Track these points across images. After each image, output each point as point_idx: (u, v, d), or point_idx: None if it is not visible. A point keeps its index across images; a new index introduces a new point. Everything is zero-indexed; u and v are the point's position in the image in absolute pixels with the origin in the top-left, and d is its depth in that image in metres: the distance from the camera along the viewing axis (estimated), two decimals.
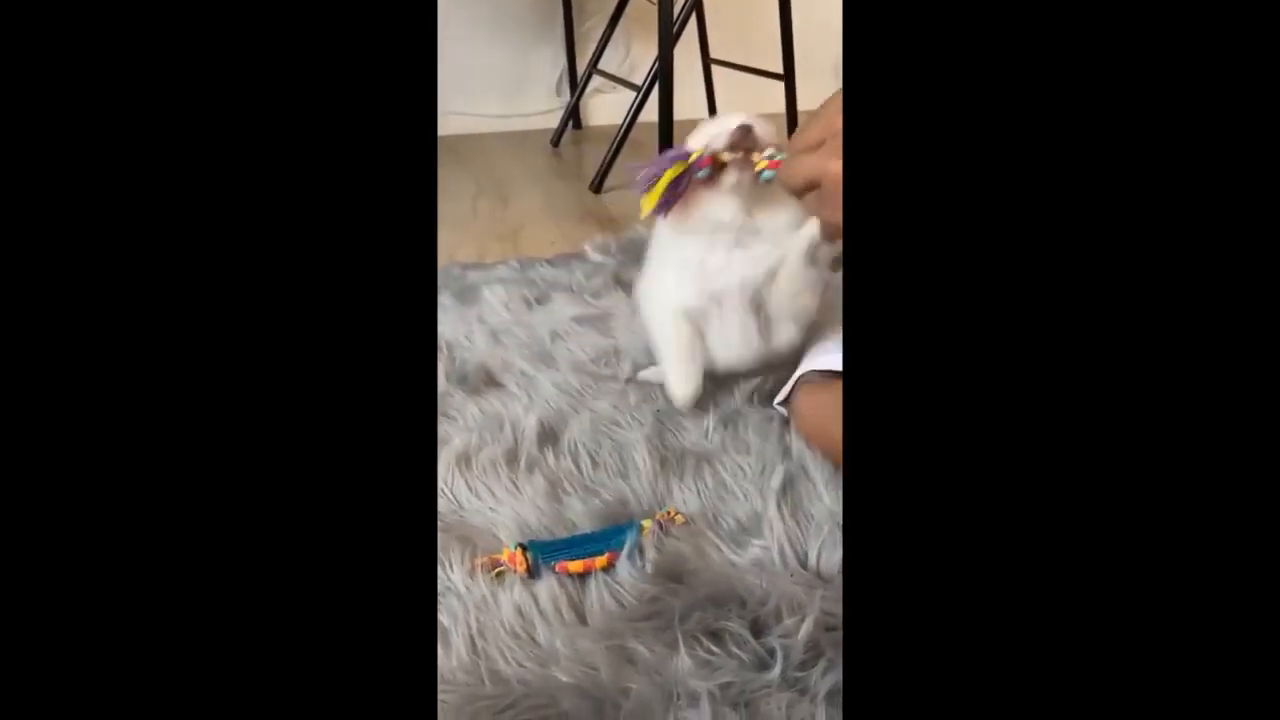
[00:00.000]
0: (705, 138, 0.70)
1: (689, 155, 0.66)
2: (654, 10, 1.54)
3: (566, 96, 2.24)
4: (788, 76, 1.88)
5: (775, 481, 0.68)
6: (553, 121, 2.18)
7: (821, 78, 2.46)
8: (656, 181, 0.66)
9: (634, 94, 1.64)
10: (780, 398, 0.79)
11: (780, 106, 1.92)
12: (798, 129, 0.54)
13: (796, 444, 0.74)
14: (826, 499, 0.66)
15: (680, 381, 0.77)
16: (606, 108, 2.27)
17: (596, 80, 2.09)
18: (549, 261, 1.23)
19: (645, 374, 0.88)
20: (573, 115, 2.18)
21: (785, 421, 0.78)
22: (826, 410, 0.72)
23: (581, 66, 2.14)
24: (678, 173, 0.65)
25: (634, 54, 2.27)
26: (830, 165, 0.48)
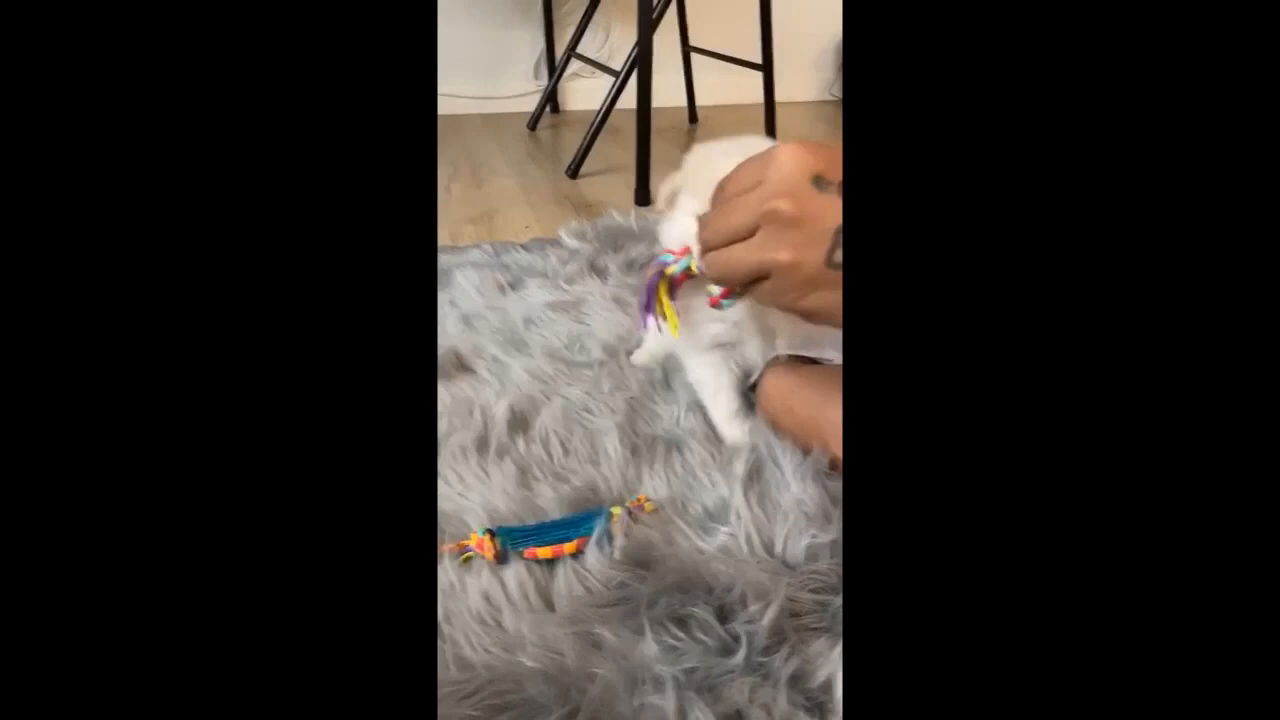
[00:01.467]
0: (673, 243, 0.68)
1: (665, 270, 0.66)
2: None
3: (544, 79, 2.23)
4: (766, 67, 1.88)
5: (741, 469, 0.68)
6: (530, 104, 2.16)
7: (800, 68, 2.47)
8: (659, 305, 0.66)
9: (612, 79, 1.63)
10: (749, 383, 0.79)
11: (759, 96, 1.92)
12: (706, 219, 0.48)
13: (764, 430, 0.74)
14: (794, 487, 0.67)
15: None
16: (584, 92, 2.26)
17: (575, 64, 2.08)
18: (523, 246, 1.23)
19: (637, 356, 0.90)
20: (550, 99, 2.16)
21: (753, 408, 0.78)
22: (790, 392, 0.72)
23: (560, 50, 2.12)
24: (665, 289, 0.67)
25: (613, 39, 2.26)
26: (779, 256, 0.44)
